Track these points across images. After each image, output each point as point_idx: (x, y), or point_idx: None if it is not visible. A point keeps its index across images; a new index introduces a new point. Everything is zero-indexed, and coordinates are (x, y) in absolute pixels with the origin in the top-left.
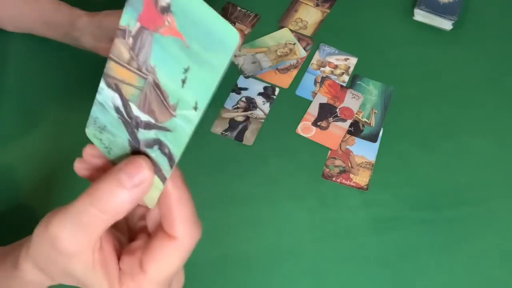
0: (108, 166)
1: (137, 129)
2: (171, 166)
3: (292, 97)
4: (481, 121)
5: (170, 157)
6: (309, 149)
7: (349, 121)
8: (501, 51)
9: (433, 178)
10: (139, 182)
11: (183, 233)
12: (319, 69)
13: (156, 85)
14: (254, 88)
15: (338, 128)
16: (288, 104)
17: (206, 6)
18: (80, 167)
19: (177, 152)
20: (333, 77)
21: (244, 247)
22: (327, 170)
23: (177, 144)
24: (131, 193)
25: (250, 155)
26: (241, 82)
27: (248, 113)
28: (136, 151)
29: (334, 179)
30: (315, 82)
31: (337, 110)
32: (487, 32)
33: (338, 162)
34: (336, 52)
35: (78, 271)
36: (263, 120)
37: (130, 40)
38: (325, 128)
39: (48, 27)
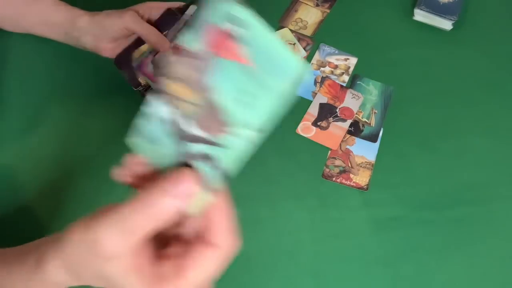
0: (150, 173)
1: (187, 143)
2: (223, 180)
3: (292, 97)
4: (481, 121)
5: (221, 171)
6: (309, 149)
7: (349, 121)
8: (501, 51)
9: (433, 178)
10: (184, 193)
11: (224, 242)
12: (319, 69)
13: (216, 105)
14: None
15: (338, 128)
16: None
17: (274, 36)
18: (121, 174)
19: (230, 167)
20: (333, 77)
21: (244, 247)
22: (327, 170)
23: (231, 159)
24: (176, 203)
25: (250, 155)
26: None
27: None
28: (182, 163)
29: (334, 179)
30: (315, 82)
31: (337, 110)
32: (487, 32)
33: (338, 162)
34: (336, 52)
35: (114, 274)
36: None
37: (192, 61)
38: (325, 128)
39: (48, 27)
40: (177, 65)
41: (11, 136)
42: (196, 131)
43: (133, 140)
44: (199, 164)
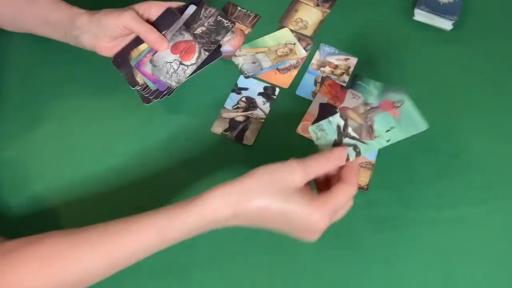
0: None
1: (344, 138)
2: (357, 156)
3: (292, 97)
4: (481, 121)
5: (358, 153)
6: (309, 149)
7: None
8: (501, 51)
9: (433, 178)
10: (343, 157)
11: (354, 182)
12: (319, 69)
13: (371, 126)
14: (254, 88)
15: None
16: (288, 104)
17: (414, 107)
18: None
19: (363, 152)
20: (333, 77)
21: (244, 246)
22: None
23: (365, 150)
24: (338, 162)
25: (250, 155)
26: (241, 82)
27: (248, 113)
28: (337, 144)
29: None
30: (315, 82)
31: (337, 110)
32: (487, 32)
33: None
34: (336, 52)
35: (294, 192)
36: (263, 120)
37: (367, 107)
38: None
39: (47, 26)
40: (359, 106)
41: (11, 135)
42: (353, 134)
43: (313, 128)
44: (348, 148)
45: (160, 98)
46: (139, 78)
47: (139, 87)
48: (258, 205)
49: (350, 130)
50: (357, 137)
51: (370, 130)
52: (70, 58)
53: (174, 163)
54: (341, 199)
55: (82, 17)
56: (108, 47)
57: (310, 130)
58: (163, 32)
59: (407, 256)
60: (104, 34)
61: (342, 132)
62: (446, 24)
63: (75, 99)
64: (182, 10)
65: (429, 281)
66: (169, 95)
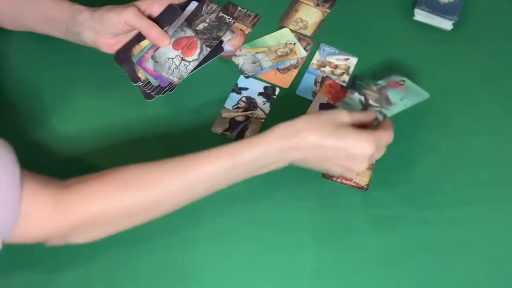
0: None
1: (367, 108)
2: (384, 117)
3: (292, 97)
4: (481, 121)
5: (384, 115)
6: None
7: None
8: (501, 51)
9: (433, 178)
10: (373, 117)
11: (391, 131)
12: (319, 69)
13: (387, 98)
14: (254, 88)
15: None
16: (288, 104)
17: (414, 85)
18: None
19: (388, 114)
20: (333, 77)
21: (245, 246)
22: None
23: (389, 112)
24: (372, 117)
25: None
26: (242, 82)
27: (248, 113)
28: (363, 109)
29: (334, 179)
30: (315, 82)
31: None
32: (487, 32)
33: None
34: (336, 52)
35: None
36: (263, 120)
37: (378, 87)
38: None
39: (48, 23)
40: (373, 90)
41: (13, 135)
42: (374, 104)
43: (341, 104)
44: (376, 112)
45: (162, 94)
46: (141, 74)
47: (141, 83)
48: (313, 139)
49: (371, 101)
50: (379, 105)
51: (388, 100)
52: (70, 58)
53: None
54: (384, 135)
55: (84, 14)
56: (110, 44)
57: (338, 106)
58: (164, 29)
59: (407, 256)
60: (105, 30)
61: (365, 104)
62: (446, 24)
63: (75, 99)
64: (183, 6)
65: (429, 281)
66: (171, 91)
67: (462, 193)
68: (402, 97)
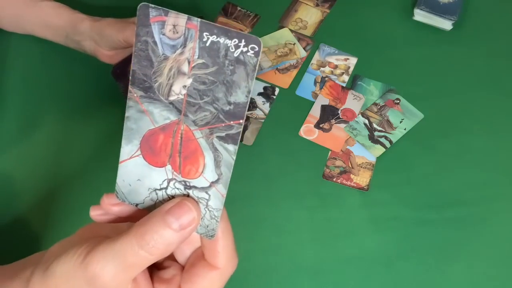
0: (126, 212)
1: (374, 131)
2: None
3: (292, 97)
4: (481, 121)
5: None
6: (309, 149)
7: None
8: (501, 51)
9: (433, 178)
10: (187, 224)
11: (225, 263)
12: (319, 69)
13: (388, 120)
14: (254, 88)
15: (340, 130)
16: (288, 104)
17: (409, 103)
18: (96, 214)
19: (393, 140)
20: (333, 77)
21: (245, 246)
22: (328, 170)
23: (394, 137)
24: (179, 235)
25: (250, 155)
26: None
27: (248, 113)
28: (371, 138)
29: (334, 179)
30: (315, 82)
31: (339, 112)
32: (487, 32)
33: (338, 163)
34: (336, 52)
35: None
36: (263, 120)
37: (378, 106)
38: (328, 130)
39: (48, 29)
40: (373, 106)
41: (9, 137)
42: (378, 128)
43: (348, 128)
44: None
45: None
46: None
47: None
48: None
49: (375, 125)
50: (383, 129)
51: (389, 123)
52: (70, 59)
53: None
54: None
55: (85, 23)
56: (109, 55)
57: (345, 130)
58: None
59: (407, 256)
60: (105, 43)
61: (370, 127)
62: (446, 24)
63: (75, 99)
64: None
65: (428, 281)
66: None
67: (462, 193)
68: (401, 118)
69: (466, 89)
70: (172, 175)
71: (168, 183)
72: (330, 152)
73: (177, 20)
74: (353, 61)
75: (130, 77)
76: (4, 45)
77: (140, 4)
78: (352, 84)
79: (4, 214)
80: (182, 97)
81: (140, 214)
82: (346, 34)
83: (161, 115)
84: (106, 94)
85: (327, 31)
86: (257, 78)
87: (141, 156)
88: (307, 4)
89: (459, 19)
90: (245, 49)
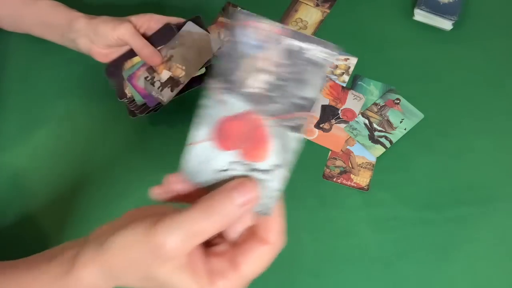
0: (190, 191)
1: (374, 131)
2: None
3: None
4: (481, 121)
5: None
6: (309, 149)
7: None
8: (501, 51)
9: (433, 178)
10: (248, 201)
11: (276, 239)
12: None
13: (388, 120)
14: None
15: (340, 130)
16: None
17: (409, 103)
18: (157, 192)
19: (393, 140)
20: (333, 77)
21: None
22: (328, 170)
23: (394, 137)
24: (241, 210)
25: None
26: None
27: None
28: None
29: (334, 179)
30: None
31: (339, 112)
32: (487, 32)
33: (338, 163)
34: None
35: (168, 274)
36: None
37: (378, 106)
38: (328, 130)
39: (45, 27)
40: (373, 106)
41: (11, 136)
42: (379, 127)
43: (348, 128)
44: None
45: (146, 113)
46: (128, 91)
47: (126, 100)
48: None
49: (375, 125)
50: (383, 129)
51: (389, 123)
52: (70, 58)
53: (175, 162)
54: (258, 268)
55: (80, 21)
56: (103, 54)
57: (345, 130)
58: (158, 48)
59: (408, 256)
60: (99, 41)
61: (370, 127)
62: (446, 24)
63: (75, 99)
64: (180, 26)
65: (429, 281)
66: (155, 111)
67: (462, 193)
68: (401, 118)
69: (466, 89)
70: (238, 158)
71: (233, 165)
72: (330, 152)
73: (263, 25)
74: (353, 61)
75: (212, 71)
76: (4, 45)
77: (236, 9)
78: (352, 84)
79: (10, 208)
80: (258, 90)
81: (200, 194)
82: (346, 34)
83: (236, 105)
84: (107, 88)
85: (327, 31)
86: None
87: (211, 140)
88: (307, 4)
89: (459, 19)
90: (321, 54)
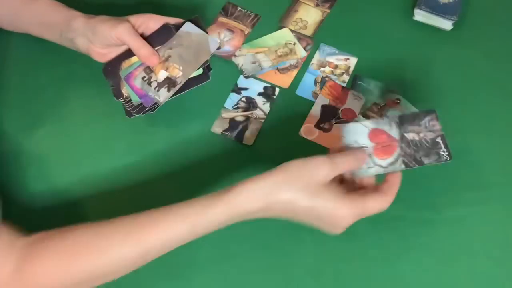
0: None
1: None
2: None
3: (292, 97)
4: (481, 121)
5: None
6: (308, 149)
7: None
8: (501, 51)
9: (433, 178)
10: (362, 160)
11: (392, 195)
12: (319, 69)
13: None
14: (254, 88)
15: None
16: (288, 104)
17: (409, 103)
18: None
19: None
20: (333, 77)
21: (245, 247)
22: None
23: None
24: (365, 158)
25: (250, 155)
26: (241, 82)
27: (248, 113)
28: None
29: None
30: (315, 82)
31: (339, 112)
32: (487, 32)
33: None
34: (336, 52)
35: (319, 188)
36: (263, 120)
37: (378, 106)
38: (328, 130)
39: (44, 27)
40: (373, 106)
41: (11, 135)
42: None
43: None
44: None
45: (142, 114)
46: (124, 91)
47: (123, 100)
48: (286, 200)
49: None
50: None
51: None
52: (70, 58)
53: (174, 162)
54: (372, 209)
55: (78, 20)
56: (101, 53)
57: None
58: (156, 48)
59: (407, 256)
60: (97, 40)
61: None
62: (446, 24)
63: (75, 99)
64: (178, 26)
65: (429, 281)
66: (152, 111)
67: (462, 193)
68: None
69: (466, 89)
70: (371, 150)
71: (368, 149)
72: (329, 151)
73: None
74: (353, 61)
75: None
76: (4, 45)
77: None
78: (352, 84)
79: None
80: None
81: (341, 149)
82: (346, 34)
83: (393, 131)
84: (107, 88)
85: (327, 31)
86: (257, 78)
87: (368, 133)
88: (307, 4)
89: (459, 19)
90: (430, 123)
